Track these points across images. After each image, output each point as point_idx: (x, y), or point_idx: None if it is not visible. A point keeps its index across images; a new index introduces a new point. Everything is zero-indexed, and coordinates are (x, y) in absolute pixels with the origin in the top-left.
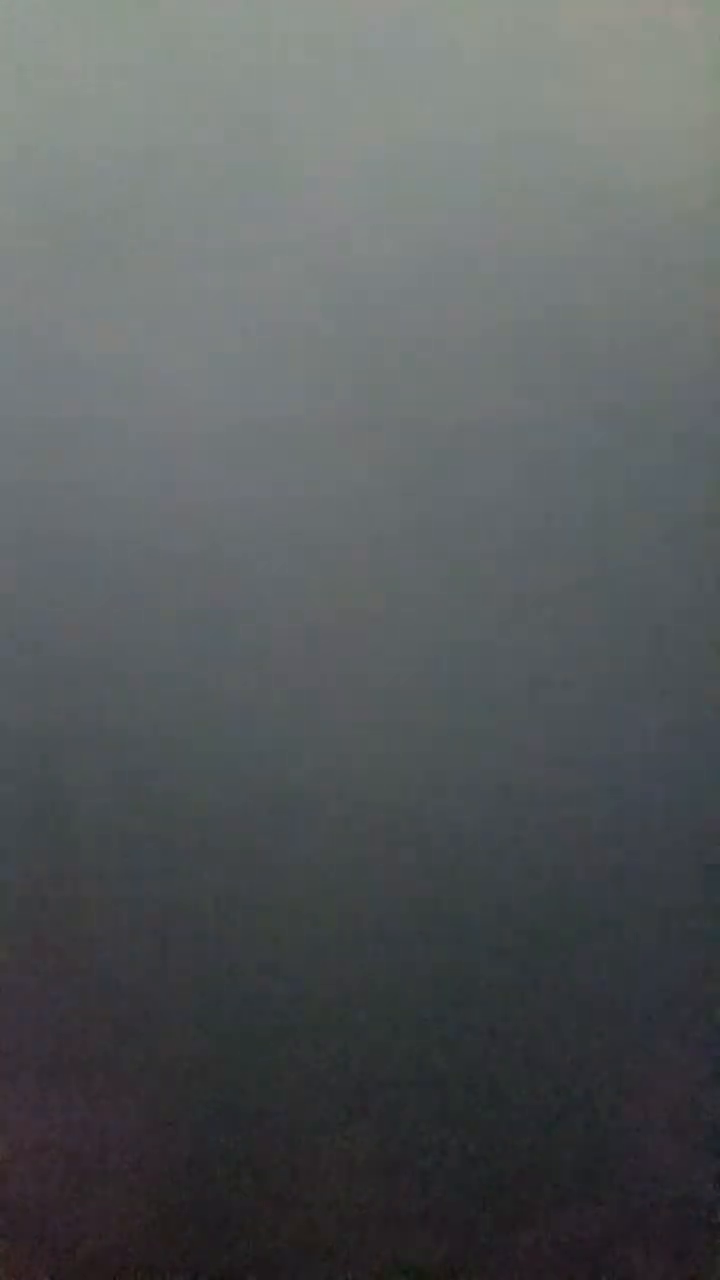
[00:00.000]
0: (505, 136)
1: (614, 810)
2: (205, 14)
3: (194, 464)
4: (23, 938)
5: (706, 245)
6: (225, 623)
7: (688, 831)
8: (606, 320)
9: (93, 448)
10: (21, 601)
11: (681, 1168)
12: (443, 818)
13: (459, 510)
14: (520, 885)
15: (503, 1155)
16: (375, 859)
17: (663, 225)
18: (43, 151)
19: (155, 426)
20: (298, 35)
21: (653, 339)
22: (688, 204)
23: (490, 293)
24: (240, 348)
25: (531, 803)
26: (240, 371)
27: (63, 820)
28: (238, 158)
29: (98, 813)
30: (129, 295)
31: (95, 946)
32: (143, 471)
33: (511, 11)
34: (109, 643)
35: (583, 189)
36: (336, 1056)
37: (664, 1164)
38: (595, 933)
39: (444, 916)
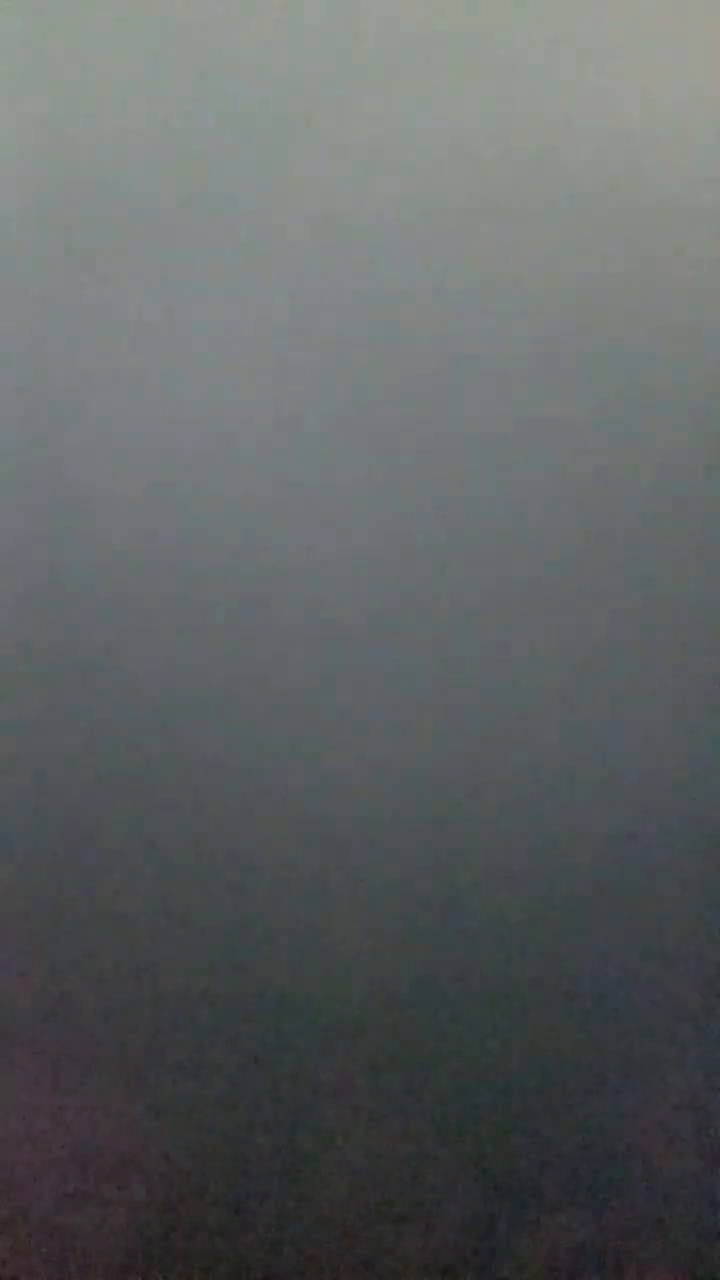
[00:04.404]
0: (508, 135)
1: (617, 814)
2: (206, 14)
3: (195, 465)
4: (24, 937)
5: (714, 243)
6: (227, 625)
7: (691, 835)
8: (613, 316)
9: (93, 449)
10: (22, 603)
11: (684, 1169)
12: (445, 819)
13: (462, 511)
14: (523, 886)
15: (504, 1157)
16: (377, 860)
17: (672, 222)
18: (43, 152)
19: (156, 428)
20: (298, 34)
21: (660, 336)
22: (697, 202)
23: (494, 293)
24: (242, 350)
25: (535, 804)
26: (241, 373)
27: (64, 819)
28: (239, 159)
29: (99, 816)
30: (130, 297)
31: (97, 946)
32: (143, 473)
33: (514, 9)
34: (110, 645)
35: (590, 185)
36: (337, 1056)
37: (666, 1165)
38: (598, 933)
39: (445, 917)
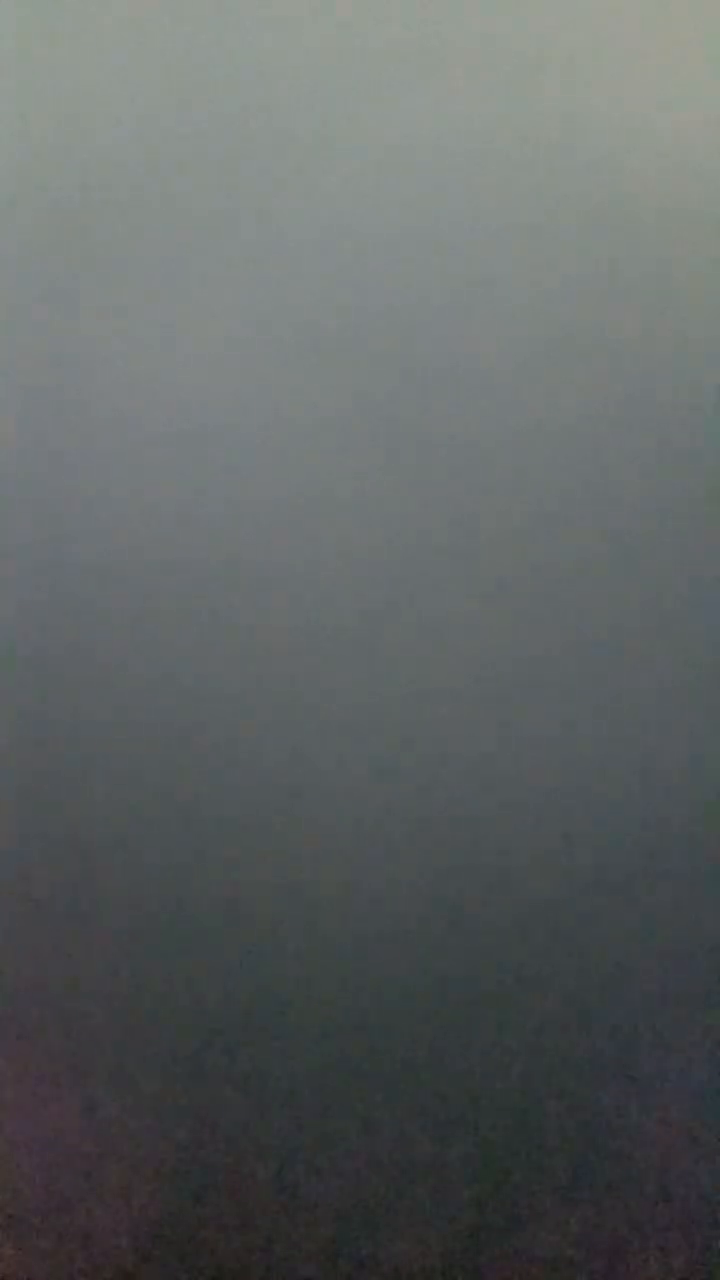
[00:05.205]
0: (506, 135)
1: (616, 815)
2: (207, 16)
3: (195, 465)
4: (24, 938)
5: (711, 245)
6: (227, 625)
7: (691, 837)
8: (610, 316)
9: (94, 448)
10: (24, 602)
11: (682, 1168)
12: (445, 818)
13: (462, 512)
14: (523, 886)
15: (503, 1156)
16: (376, 862)
17: (669, 223)
18: (44, 153)
19: (158, 427)
20: (298, 35)
21: (657, 336)
22: (693, 204)
23: (493, 293)
24: (242, 350)
25: (534, 807)
26: (242, 373)
27: (65, 820)
28: (239, 159)
29: (99, 813)
30: (130, 297)
31: (96, 947)
32: (145, 472)
33: (512, 11)
34: (109, 647)
35: (590, 191)
36: (337, 1057)
37: (665, 1165)
38: (597, 933)
39: (445, 917)
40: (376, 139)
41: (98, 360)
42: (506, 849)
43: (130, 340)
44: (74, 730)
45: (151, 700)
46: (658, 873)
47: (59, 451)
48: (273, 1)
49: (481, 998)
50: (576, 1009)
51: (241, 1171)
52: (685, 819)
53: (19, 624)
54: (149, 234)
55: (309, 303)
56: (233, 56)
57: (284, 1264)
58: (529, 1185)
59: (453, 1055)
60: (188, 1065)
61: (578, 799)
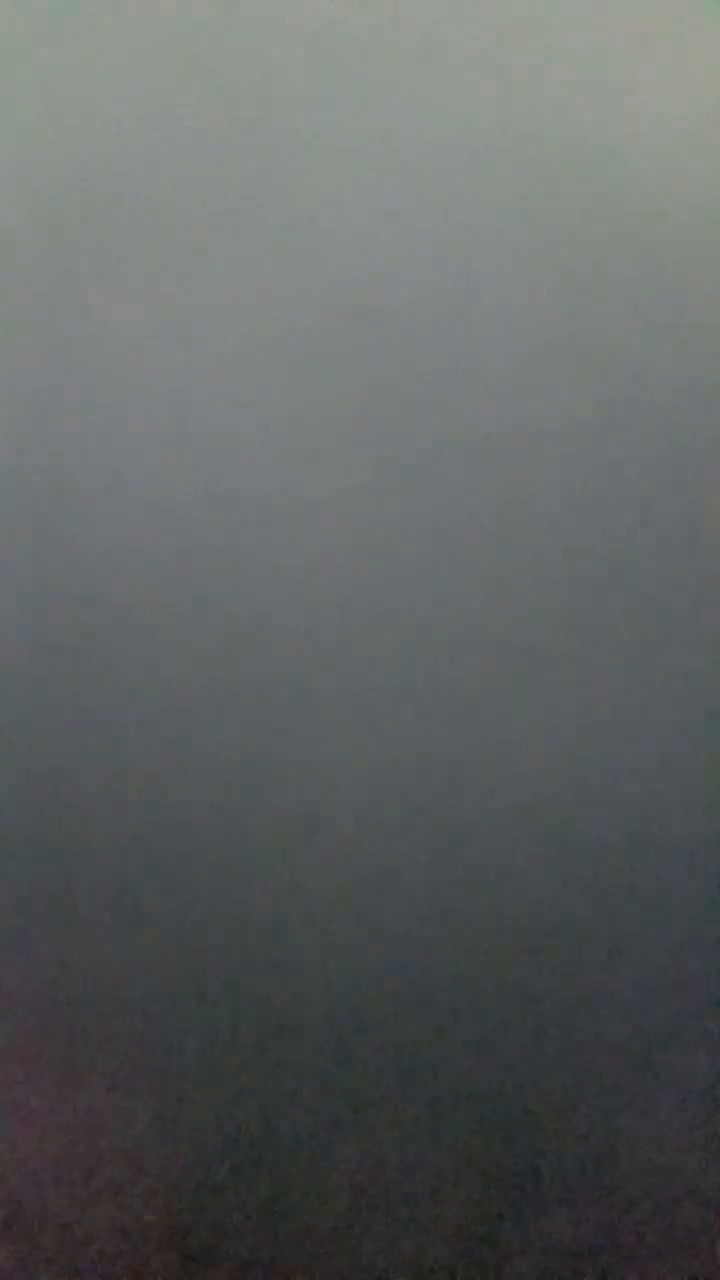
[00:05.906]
0: (506, 135)
1: (617, 814)
2: (207, 15)
3: (193, 464)
4: (24, 939)
5: (711, 245)
6: (225, 624)
7: (692, 835)
8: (611, 319)
9: (90, 449)
10: (18, 604)
11: (684, 1169)
12: (444, 821)
13: (461, 514)
14: (522, 887)
15: (503, 1156)
16: (376, 862)
17: (669, 223)
18: (44, 150)
19: (159, 426)
20: (296, 34)
21: (659, 339)
22: (693, 204)
23: (493, 294)
24: (241, 349)
25: (534, 808)
26: (241, 372)
27: (63, 822)
28: (238, 158)
29: (98, 815)
30: (131, 295)
31: (97, 948)
32: (145, 470)
33: (512, 11)
34: (107, 645)
35: (589, 189)
36: (337, 1058)
37: (665, 1165)
38: (597, 933)
39: (444, 917)
40: (376, 139)
41: (97, 358)
42: (506, 848)
43: (131, 339)
44: (72, 726)
45: (151, 697)
46: (659, 869)
47: (58, 450)
48: (273, 1)
49: (482, 998)
50: (576, 1007)
51: (240, 1171)
52: (685, 819)
53: (17, 621)
54: (149, 232)
55: (309, 301)
56: (233, 55)
57: (282, 1263)
58: (528, 1185)
59: (451, 1054)
60: (187, 1066)
61: (577, 798)
